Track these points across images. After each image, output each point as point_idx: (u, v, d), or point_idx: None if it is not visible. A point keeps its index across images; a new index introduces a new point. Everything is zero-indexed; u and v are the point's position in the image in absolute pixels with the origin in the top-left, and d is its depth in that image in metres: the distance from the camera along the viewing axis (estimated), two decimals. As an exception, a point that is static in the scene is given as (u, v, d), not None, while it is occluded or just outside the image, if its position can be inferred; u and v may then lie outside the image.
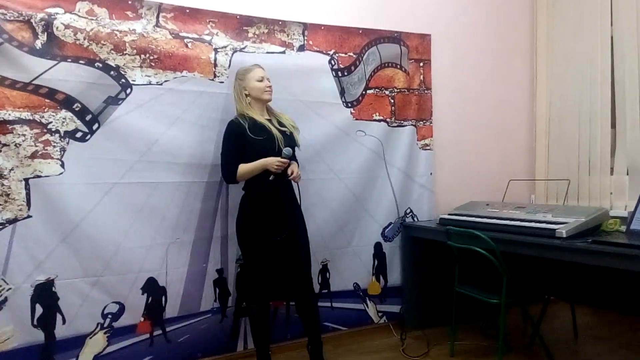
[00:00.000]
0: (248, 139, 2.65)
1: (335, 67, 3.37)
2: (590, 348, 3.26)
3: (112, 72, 2.74)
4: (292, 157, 2.75)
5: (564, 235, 2.54)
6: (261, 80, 2.75)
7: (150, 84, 2.83)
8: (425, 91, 3.73)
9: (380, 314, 3.61)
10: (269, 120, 2.76)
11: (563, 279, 3.25)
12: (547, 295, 3.29)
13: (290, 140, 2.77)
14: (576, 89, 3.81)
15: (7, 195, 2.53)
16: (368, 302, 3.57)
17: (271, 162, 2.63)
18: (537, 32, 4.18)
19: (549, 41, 4.08)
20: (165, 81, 2.87)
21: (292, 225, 2.72)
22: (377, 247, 3.59)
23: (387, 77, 3.57)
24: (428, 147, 3.74)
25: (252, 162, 2.66)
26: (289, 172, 2.69)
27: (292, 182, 2.78)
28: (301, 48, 3.26)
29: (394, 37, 3.58)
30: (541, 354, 3.02)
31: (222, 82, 3.01)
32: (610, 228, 2.70)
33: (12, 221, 2.54)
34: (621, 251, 2.23)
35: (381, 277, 3.61)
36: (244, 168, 2.67)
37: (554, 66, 4.05)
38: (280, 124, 2.79)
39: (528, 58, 4.23)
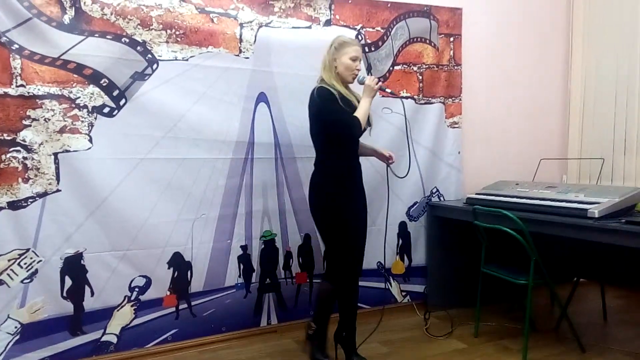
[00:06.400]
0: None
1: (362, 42, 3.29)
2: (619, 332, 3.19)
3: (138, 48, 2.74)
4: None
5: (596, 216, 2.48)
6: (354, 60, 2.56)
7: (176, 59, 2.82)
8: (455, 67, 3.63)
9: (403, 294, 3.59)
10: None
11: (594, 260, 3.17)
12: (576, 276, 3.22)
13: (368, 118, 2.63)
14: (613, 68, 3.71)
15: (37, 169, 2.57)
16: (392, 281, 3.55)
17: (371, 84, 2.55)
18: (573, 9, 4.03)
19: (586, 18, 3.94)
20: (191, 57, 2.86)
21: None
22: (402, 226, 3.56)
23: (415, 53, 3.49)
24: (456, 125, 3.66)
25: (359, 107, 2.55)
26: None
27: None
28: (327, 23, 3.20)
29: (424, 11, 3.48)
30: (568, 336, 2.96)
31: (247, 58, 2.98)
32: (646, 209, 2.62)
33: (42, 195, 2.58)
34: (656, 233, 2.16)
35: (405, 257, 3.59)
36: (359, 113, 2.53)
37: (590, 44, 3.92)
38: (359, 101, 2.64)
39: (563, 35, 4.08)
